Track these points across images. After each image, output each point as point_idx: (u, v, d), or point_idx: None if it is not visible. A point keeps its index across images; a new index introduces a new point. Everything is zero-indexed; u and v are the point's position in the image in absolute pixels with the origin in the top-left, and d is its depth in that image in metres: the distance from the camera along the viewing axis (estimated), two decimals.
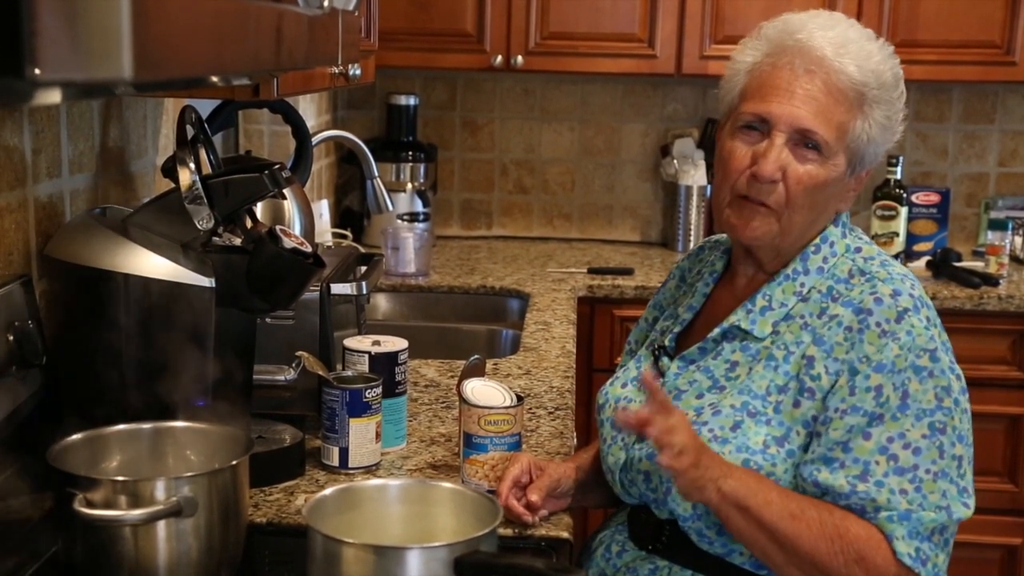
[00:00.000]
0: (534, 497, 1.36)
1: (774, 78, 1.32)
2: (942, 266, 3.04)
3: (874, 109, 1.32)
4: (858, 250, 1.38)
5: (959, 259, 3.09)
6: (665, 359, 1.43)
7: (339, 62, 1.18)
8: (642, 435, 1.25)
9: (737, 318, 1.36)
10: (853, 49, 1.31)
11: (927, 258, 3.12)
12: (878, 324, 1.26)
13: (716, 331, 1.37)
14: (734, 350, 1.35)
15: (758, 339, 1.34)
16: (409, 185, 3.24)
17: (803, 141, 1.32)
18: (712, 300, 1.46)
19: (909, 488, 1.23)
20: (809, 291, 1.34)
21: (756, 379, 1.31)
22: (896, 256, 3.09)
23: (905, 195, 3.20)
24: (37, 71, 0.54)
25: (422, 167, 3.27)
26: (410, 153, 3.26)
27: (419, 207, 3.24)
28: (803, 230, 1.36)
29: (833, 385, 1.26)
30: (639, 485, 1.37)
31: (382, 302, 2.84)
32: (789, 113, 1.30)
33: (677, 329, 1.46)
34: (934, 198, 3.29)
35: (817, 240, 1.37)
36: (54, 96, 0.71)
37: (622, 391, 1.45)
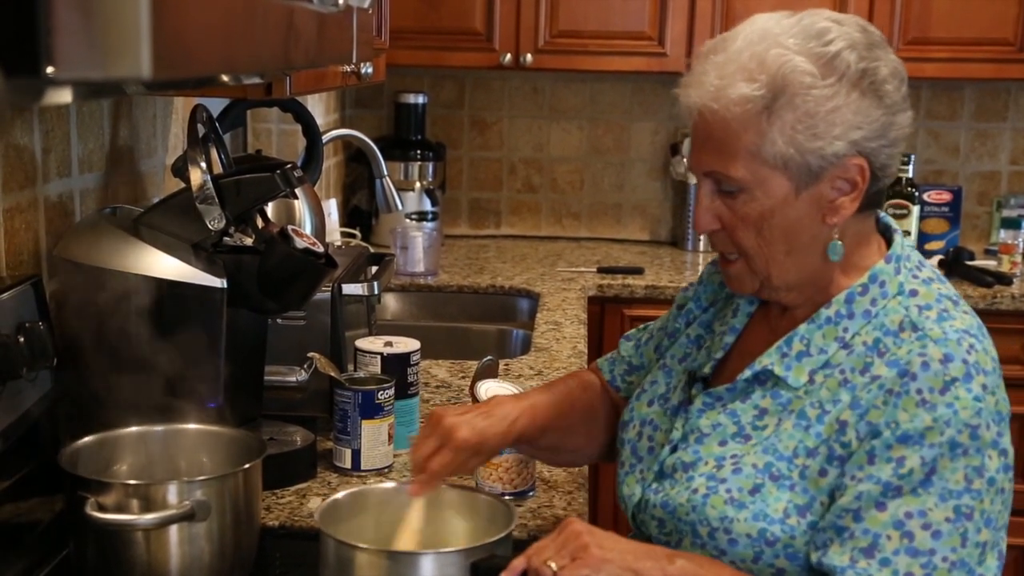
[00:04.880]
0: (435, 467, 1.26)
1: (691, 128, 1.25)
2: (955, 265, 3.02)
3: (782, 115, 1.16)
4: (913, 293, 1.21)
5: (972, 258, 3.07)
6: (697, 386, 1.31)
7: (354, 60, 1.16)
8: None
9: (771, 361, 1.23)
10: (732, 69, 1.17)
11: (939, 257, 3.11)
12: (919, 391, 1.13)
13: (747, 372, 1.24)
14: (764, 396, 1.23)
15: (792, 387, 1.21)
16: (417, 184, 3.23)
17: (720, 184, 1.22)
18: (749, 326, 1.33)
19: (918, 573, 1.11)
20: (852, 338, 1.20)
21: (784, 437, 1.19)
22: None
23: (917, 193, 3.18)
24: (52, 69, 0.52)
25: (430, 166, 3.26)
26: (418, 152, 3.25)
27: (427, 206, 3.23)
28: (796, 265, 1.22)
29: (859, 448, 1.15)
30: (651, 528, 1.29)
31: (391, 302, 2.82)
32: (696, 160, 1.23)
33: (719, 355, 1.32)
34: (946, 196, 3.27)
35: (864, 279, 1.22)
36: (65, 96, 0.69)
37: (648, 411, 1.35)
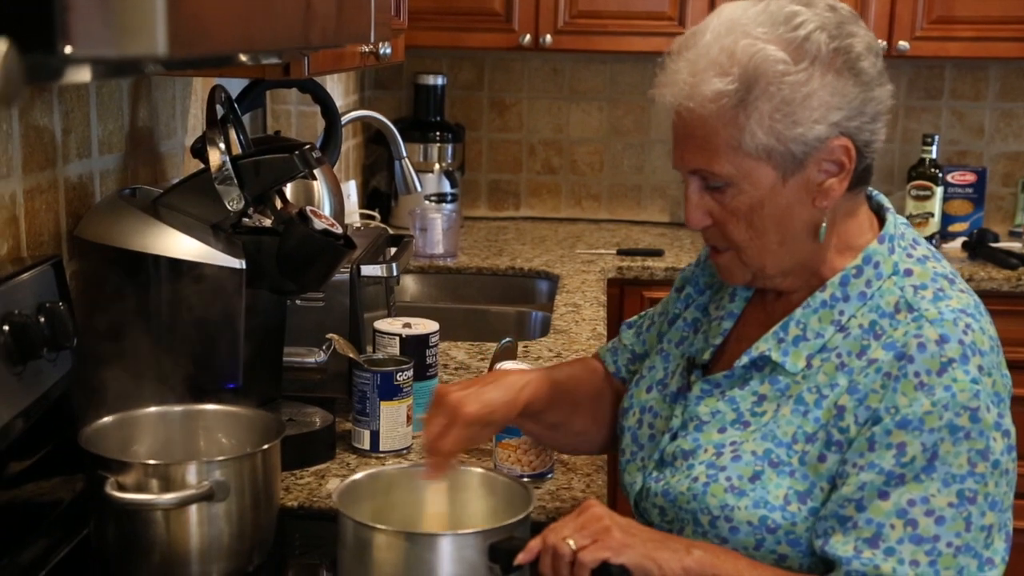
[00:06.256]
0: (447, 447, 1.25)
1: (672, 127, 1.23)
2: (978, 247, 2.99)
3: (758, 106, 1.14)
4: (908, 273, 1.20)
5: (996, 240, 3.04)
6: (696, 373, 1.29)
7: (371, 40, 1.16)
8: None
9: (768, 347, 1.22)
10: (703, 65, 1.16)
11: (963, 239, 3.08)
12: (916, 374, 1.12)
13: (744, 359, 1.23)
14: (762, 382, 1.22)
15: (790, 373, 1.20)
16: (437, 166, 3.22)
17: (707, 181, 1.20)
18: (746, 310, 1.31)
19: (923, 560, 1.11)
20: (848, 320, 1.19)
21: (782, 423, 1.18)
22: (930, 238, 3.04)
23: (940, 175, 3.15)
24: (69, 48, 0.52)
25: (450, 147, 3.25)
26: (438, 133, 3.24)
27: (447, 188, 3.22)
28: (790, 253, 1.21)
29: (859, 434, 1.14)
30: (653, 516, 1.28)
31: (410, 284, 2.82)
32: (679, 159, 1.21)
33: (718, 341, 1.30)
34: (970, 177, 3.24)
35: (858, 261, 1.21)
36: (84, 74, 0.69)
37: (647, 397, 1.34)
